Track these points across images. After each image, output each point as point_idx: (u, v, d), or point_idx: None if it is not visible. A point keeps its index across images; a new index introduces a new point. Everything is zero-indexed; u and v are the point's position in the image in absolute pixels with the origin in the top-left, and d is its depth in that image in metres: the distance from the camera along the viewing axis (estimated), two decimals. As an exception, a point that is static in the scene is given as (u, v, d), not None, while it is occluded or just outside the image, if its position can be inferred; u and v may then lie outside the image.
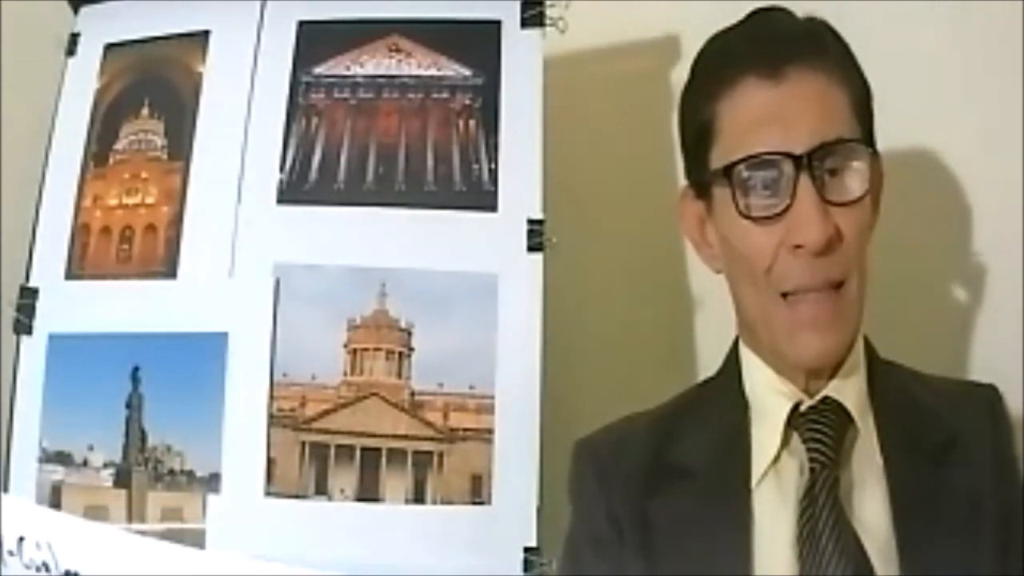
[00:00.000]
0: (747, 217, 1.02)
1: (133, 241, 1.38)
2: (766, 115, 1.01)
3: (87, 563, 0.73)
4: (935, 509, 1.00)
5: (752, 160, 1.01)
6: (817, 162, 0.99)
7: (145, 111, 1.42)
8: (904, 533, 1.00)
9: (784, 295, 1.02)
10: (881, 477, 1.03)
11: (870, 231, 1.05)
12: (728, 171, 1.02)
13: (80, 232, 1.40)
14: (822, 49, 1.04)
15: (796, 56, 1.02)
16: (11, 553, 0.75)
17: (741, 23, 1.09)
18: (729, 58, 1.06)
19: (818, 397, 1.05)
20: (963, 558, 0.99)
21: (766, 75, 1.02)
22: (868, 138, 1.05)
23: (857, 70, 1.06)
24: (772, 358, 1.07)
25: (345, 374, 1.31)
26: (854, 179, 1.01)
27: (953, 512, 1.00)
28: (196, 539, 1.27)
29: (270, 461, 1.29)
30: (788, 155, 0.99)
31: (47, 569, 0.74)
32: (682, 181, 1.13)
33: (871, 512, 1.02)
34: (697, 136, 1.07)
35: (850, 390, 1.06)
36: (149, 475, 1.31)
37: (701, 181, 1.08)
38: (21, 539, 0.75)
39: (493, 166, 1.33)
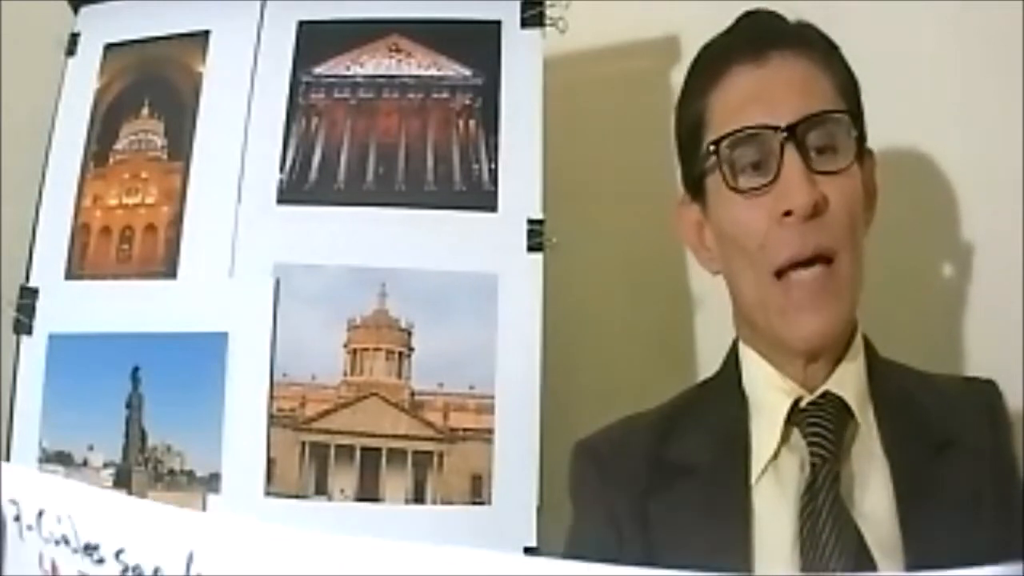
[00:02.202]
0: (737, 191, 1.04)
1: (133, 241, 1.38)
2: (751, 95, 1.05)
3: (108, 535, 0.73)
4: (936, 502, 1.01)
5: (738, 134, 1.03)
6: (802, 134, 1.02)
7: (145, 111, 1.42)
8: (907, 526, 1.00)
9: (779, 275, 1.03)
10: (881, 471, 1.03)
11: (864, 213, 1.07)
12: (717, 148, 1.05)
13: (80, 232, 1.40)
14: (806, 40, 1.07)
15: (780, 43, 1.06)
16: (30, 527, 0.75)
17: (729, 27, 1.12)
18: (718, 56, 1.09)
19: (818, 392, 1.06)
20: (964, 551, 0.99)
21: (751, 60, 1.05)
22: (857, 126, 1.06)
23: (844, 66, 1.09)
24: (771, 347, 1.08)
25: (345, 374, 1.31)
26: (839, 150, 1.03)
27: (954, 506, 1.01)
28: (196, 539, 1.27)
29: (270, 461, 1.29)
30: (773, 128, 1.02)
31: (67, 542, 0.74)
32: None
33: (872, 506, 1.02)
34: (691, 131, 1.09)
35: (850, 385, 1.06)
36: (149, 475, 1.31)
37: (695, 175, 1.09)
38: (40, 512, 0.74)
39: (493, 166, 1.33)
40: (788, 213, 1.01)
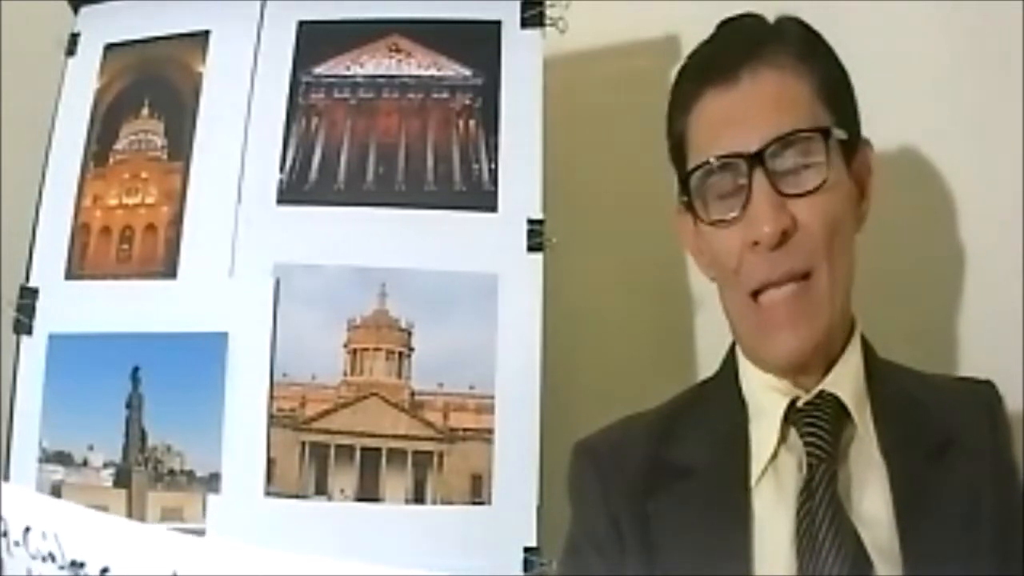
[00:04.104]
0: (708, 222, 1.05)
1: (133, 241, 1.38)
2: (722, 120, 1.05)
3: (93, 553, 0.73)
4: (935, 503, 1.01)
5: (707, 166, 1.04)
6: (771, 158, 1.01)
7: (145, 111, 1.42)
8: (905, 528, 1.00)
9: (755, 295, 1.04)
10: (879, 472, 1.04)
11: (851, 221, 1.07)
12: (688, 180, 1.06)
13: (80, 232, 1.40)
14: (778, 46, 1.06)
15: (749, 57, 1.05)
16: (17, 543, 0.75)
17: (710, 37, 1.12)
18: (693, 72, 1.10)
19: (814, 392, 1.06)
20: (964, 552, 0.99)
21: (722, 83, 1.05)
22: (845, 124, 1.06)
23: (825, 60, 1.08)
24: (756, 362, 1.09)
25: (345, 374, 1.31)
26: (813, 166, 1.03)
27: (953, 506, 1.01)
28: (196, 539, 1.27)
29: (270, 461, 1.29)
30: (740, 155, 1.02)
31: (53, 559, 0.74)
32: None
33: (869, 506, 1.02)
34: (676, 149, 1.11)
35: (846, 385, 1.07)
36: (149, 475, 1.31)
37: (683, 193, 1.10)
38: (27, 529, 0.75)
39: (493, 166, 1.33)
40: (757, 242, 1.02)
